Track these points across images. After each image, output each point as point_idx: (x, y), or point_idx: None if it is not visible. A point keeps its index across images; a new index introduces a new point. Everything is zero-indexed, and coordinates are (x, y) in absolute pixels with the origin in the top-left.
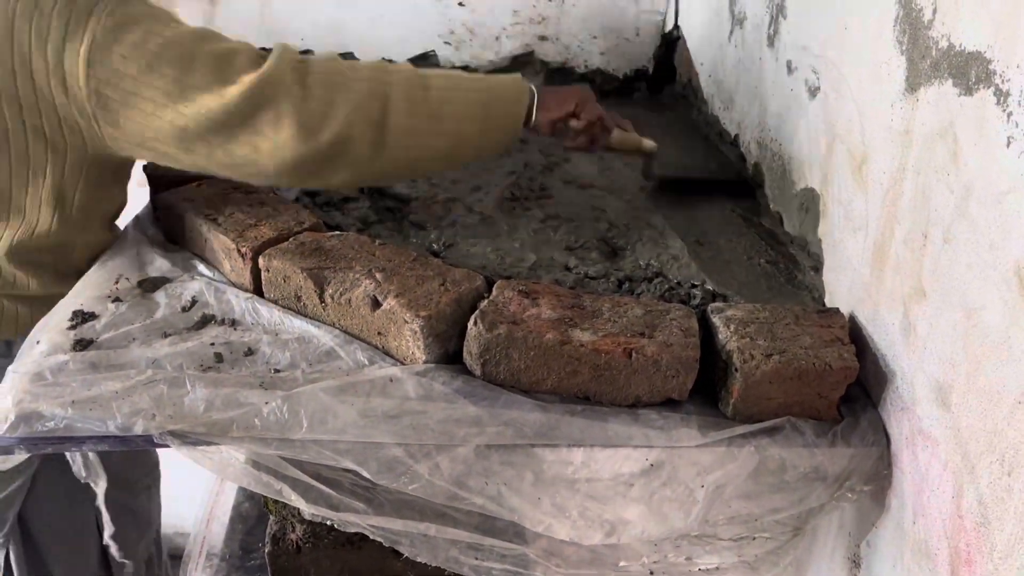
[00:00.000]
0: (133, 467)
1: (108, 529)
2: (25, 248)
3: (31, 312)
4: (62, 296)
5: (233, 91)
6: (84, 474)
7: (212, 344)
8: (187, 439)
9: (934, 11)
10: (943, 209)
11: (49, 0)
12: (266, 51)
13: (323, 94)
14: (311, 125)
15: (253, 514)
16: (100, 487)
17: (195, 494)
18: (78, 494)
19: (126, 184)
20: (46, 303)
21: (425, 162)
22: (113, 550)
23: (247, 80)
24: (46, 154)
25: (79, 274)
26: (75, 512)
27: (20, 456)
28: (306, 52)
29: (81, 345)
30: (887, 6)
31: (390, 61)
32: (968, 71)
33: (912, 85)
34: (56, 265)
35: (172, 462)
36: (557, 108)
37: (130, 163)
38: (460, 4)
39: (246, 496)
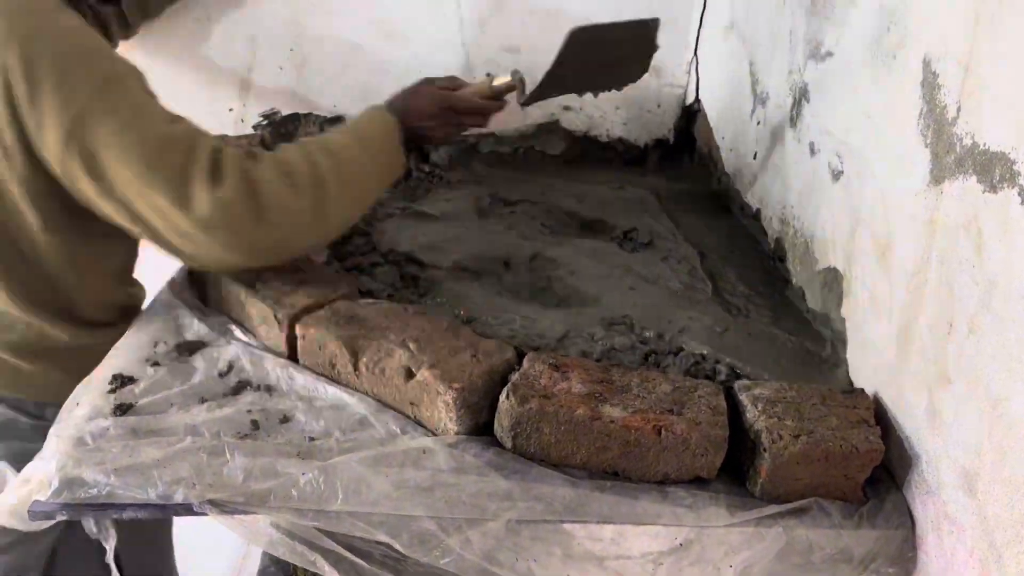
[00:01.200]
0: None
1: None
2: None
3: (62, 375)
4: (90, 349)
5: (185, 215)
6: (95, 531)
7: (248, 411)
8: (226, 508)
9: (958, 109)
10: (968, 300)
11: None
12: (218, 148)
13: (276, 219)
14: (259, 251)
15: None
16: (110, 544)
17: (215, 550)
18: (97, 559)
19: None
20: (74, 357)
21: (342, 223)
22: None
23: (201, 204)
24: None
25: (95, 324)
26: None
27: (51, 521)
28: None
29: (121, 410)
30: (912, 100)
31: None
32: (992, 169)
33: (936, 178)
34: (71, 313)
35: (190, 520)
36: (421, 121)
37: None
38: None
39: (272, 560)
